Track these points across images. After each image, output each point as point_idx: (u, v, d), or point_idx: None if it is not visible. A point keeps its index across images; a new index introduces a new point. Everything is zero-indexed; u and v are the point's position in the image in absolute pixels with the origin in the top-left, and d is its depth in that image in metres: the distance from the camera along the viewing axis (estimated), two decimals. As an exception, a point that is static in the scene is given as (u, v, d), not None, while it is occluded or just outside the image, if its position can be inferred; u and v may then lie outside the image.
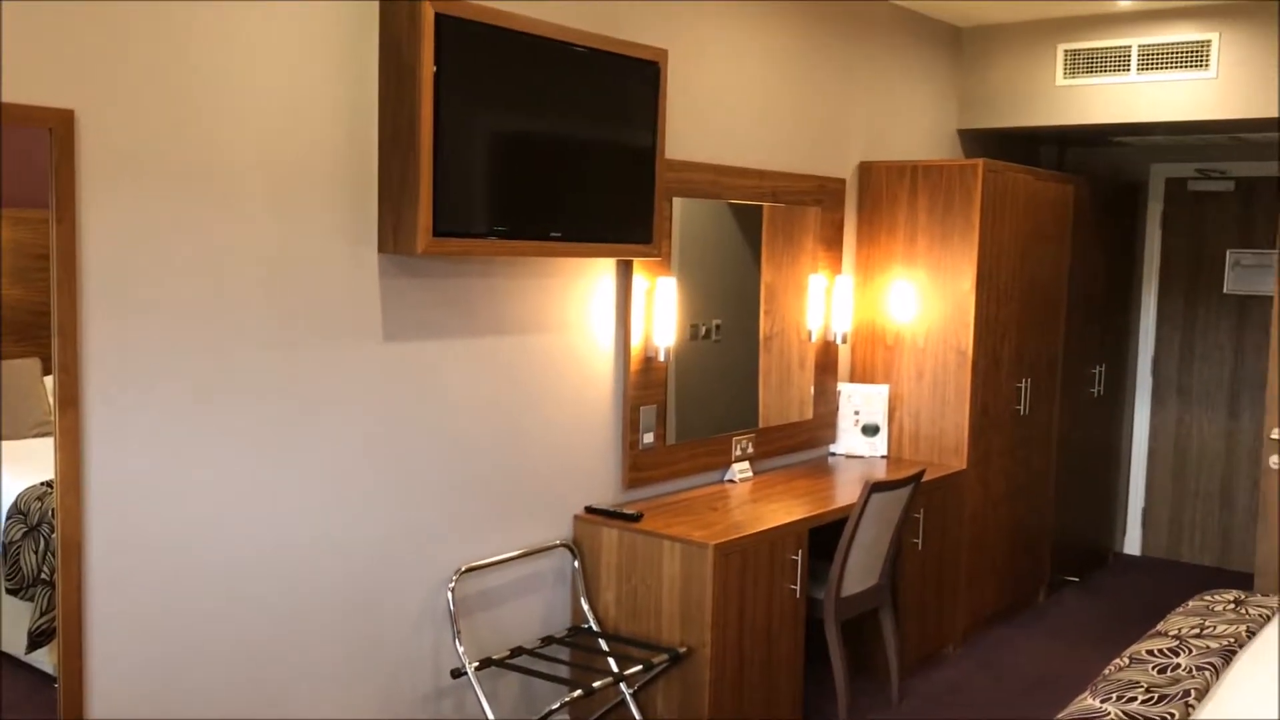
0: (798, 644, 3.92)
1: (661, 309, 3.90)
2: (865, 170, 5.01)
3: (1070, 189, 5.53)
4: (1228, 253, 6.29)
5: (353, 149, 3.01)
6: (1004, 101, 5.55)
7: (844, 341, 4.86)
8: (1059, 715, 2.54)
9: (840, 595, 4.03)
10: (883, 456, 4.99)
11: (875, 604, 4.26)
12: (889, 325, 5.00)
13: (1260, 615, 3.20)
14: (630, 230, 3.59)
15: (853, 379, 5.11)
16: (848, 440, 5.00)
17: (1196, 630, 3.07)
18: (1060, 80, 5.38)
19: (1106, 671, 2.82)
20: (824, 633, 4.16)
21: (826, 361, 4.90)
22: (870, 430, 4.99)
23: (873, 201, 5.00)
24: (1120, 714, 2.49)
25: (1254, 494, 6.27)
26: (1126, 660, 2.87)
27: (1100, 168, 6.61)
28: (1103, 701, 2.58)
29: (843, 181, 4.89)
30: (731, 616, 3.58)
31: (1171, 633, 3.07)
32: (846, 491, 4.28)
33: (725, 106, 4.25)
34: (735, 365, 4.41)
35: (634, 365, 3.92)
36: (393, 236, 3.05)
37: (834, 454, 4.99)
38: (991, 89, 5.57)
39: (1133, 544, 6.64)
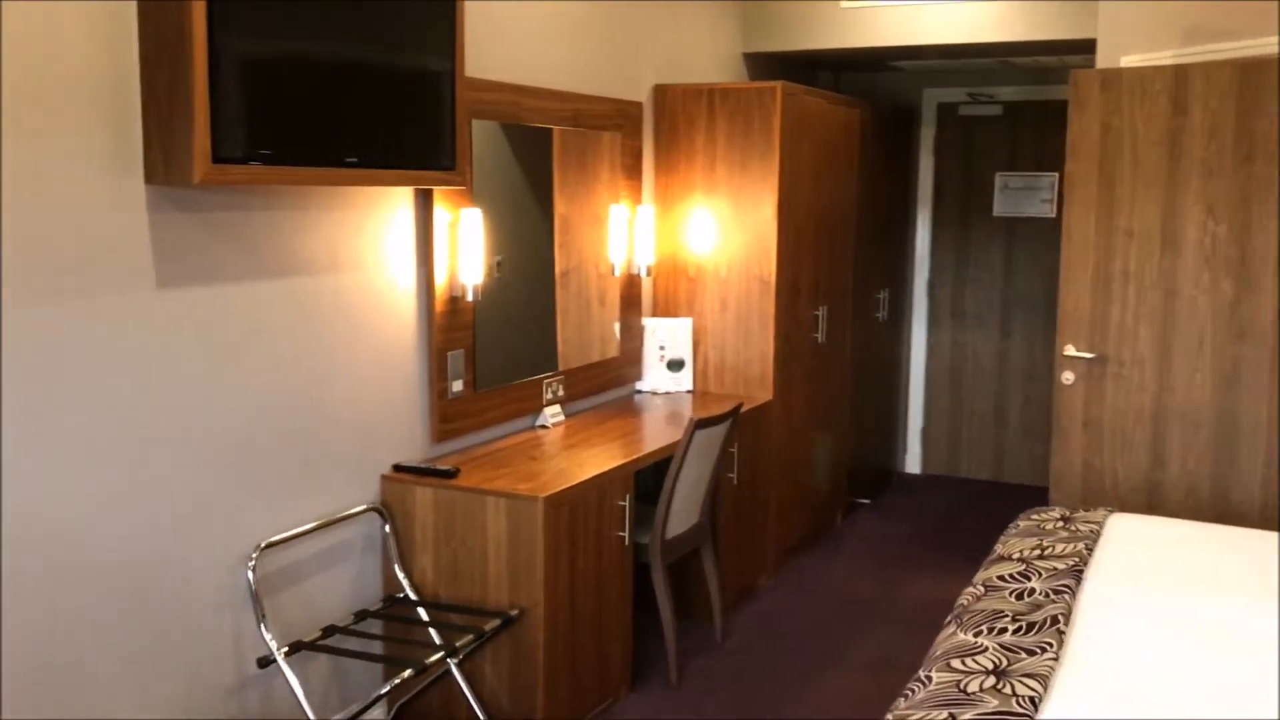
0: (627, 593, 3.72)
1: (467, 243, 3.56)
2: (661, 94, 4.79)
3: (857, 113, 5.50)
4: (996, 176, 6.48)
5: (113, 60, 2.51)
6: (790, 25, 5.44)
7: (648, 274, 4.65)
8: (935, 653, 2.44)
9: (665, 537, 3.86)
10: (689, 391, 4.85)
11: (697, 543, 4.12)
12: (690, 256, 4.82)
13: (1090, 530, 3.24)
14: (431, 156, 3.22)
15: (655, 313, 4.92)
16: (654, 376, 4.82)
17: (1037, 551, 3.06)
18: (845, 3, 5.31)
19: (964, 602, 2.76)
20: (648, 578, 3.99)
21: (631, 296, 4.68)
22: (676, 365, 4.83)
23: (670, 127, 4.79)
24: (998, 646, 2.41)
25: (1025, 409, 6.55)
26: (981, 589, 2.82)
27: (875, 93, 6.66)
28: (975, 635, 2.50)
29: (640, 105, 4.65)
30: (563, 572, 3.34)
31: (1014, 556, 3.05)
32: (660, 430, 4.10)
33: (524, 21, 3.91)
34: (535, 303, 4.13)
35: (439, 306, 3.57)
36: (163, 165, 2.58)
37: (640, 391, 4.80)
38: (777, 12, 5.44)
39: (913, 463, 6.84)
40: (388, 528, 3.40)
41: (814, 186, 5.03)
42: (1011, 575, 2.88)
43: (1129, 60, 4.63)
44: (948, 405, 6.73)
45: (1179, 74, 4.17)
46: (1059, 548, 3.07)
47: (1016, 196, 6.44)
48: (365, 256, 3.31)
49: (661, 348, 4.82)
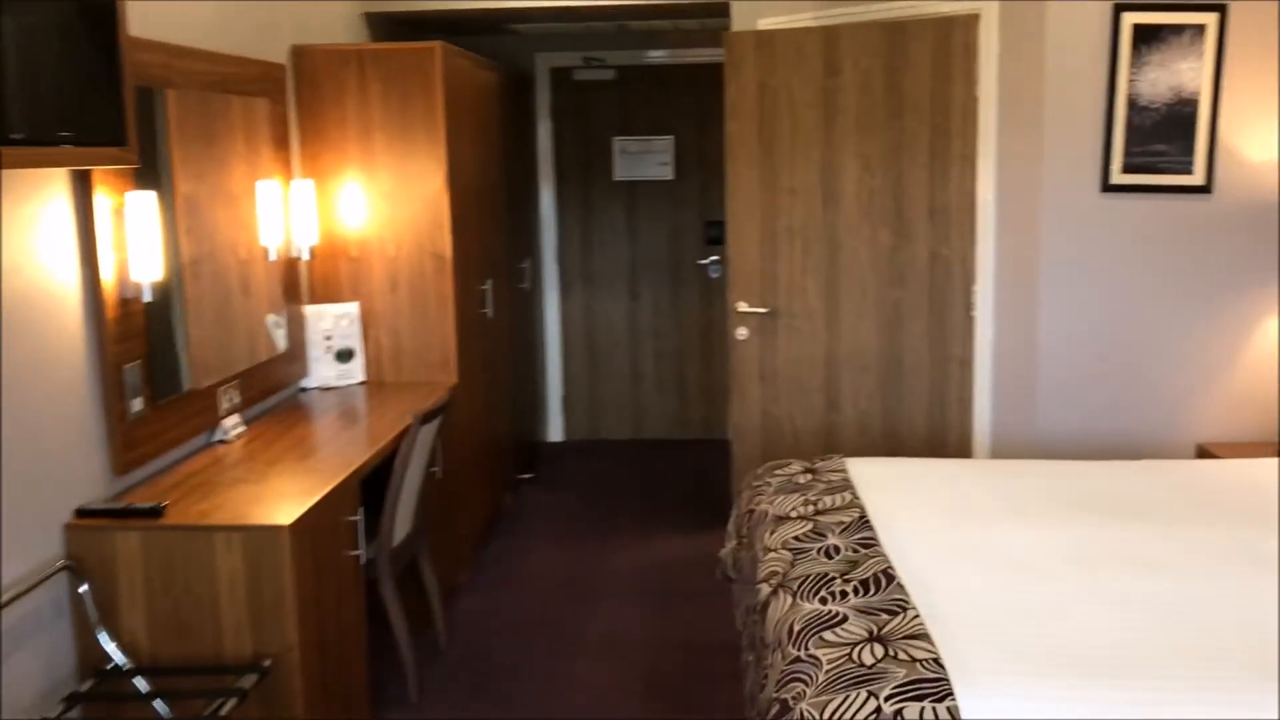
0: (362, 616, 3.32)
1: (138, 234, 2.95)
2: (301, 56, 4.28)
3: (496, 77, 5.28)
4: (614, 140, 6.52)
5: None
6: (415, -18, 5.09)
7: (311, 257, 4.17)
8: (788, 627, 2.35)
9: (392, 547, 3.49)
10: (361, 383, 4.43)
11: (416, 550, 3.78)
12: (351, 234, 4.38)
13: (841, 480, 3.32)
14: (99, 129, 2.61)
15: (314, 299, 4.43)
16: (321, 370, 4.35)
17: (811, 508, 3.08)
18: (475, -40, 5.05)
19: (778, 569, 2.71)
20: (377, 596, 3.59)
21: (291, 282, 4.17)
22: (344, 355, 4.38)
23: (315, 93, 4.30)
24: (856, 611, 2.37)
25: (659, 367, 6.70)
26: (787, 553, 2.78)
27: (491, 58, 6.44)
28: (821, 603, 2.45)
29: (284, 69, 4.13)
30: (312, 608, 2.89)
31: (794, 514, 3.04)
32: (359, 430, 3.69)
33: (163, -32, 3.30)
34: (201, 299, 3.53)
35: (110, 312, 2.94)
36: None
37: (306, 389, 4.31)
38: (403, -33, 5.07)
39: (556, 431, 6.79)
40: (83, 588, 2.76)
41: (473, 154, 4.76)
42: (807, 535, 2.87)
43: (767, 23, 4.79)
44: (585, 370, 6.74)
45: (829, 35, 4.37)
46: (828, 500, 3.11)
47: (635, 160, 6.53)
48: (14, 258, 2.63)
49: (328, 337, 4.35)
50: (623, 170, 6.53)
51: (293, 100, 4.27)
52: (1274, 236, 4.04)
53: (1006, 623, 2.30)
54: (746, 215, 4.57)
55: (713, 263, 6.55)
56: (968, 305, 4.34)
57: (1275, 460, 3.55)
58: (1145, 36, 3.92)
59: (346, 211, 4.35)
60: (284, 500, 2.91)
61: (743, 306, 4.60)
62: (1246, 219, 4.04)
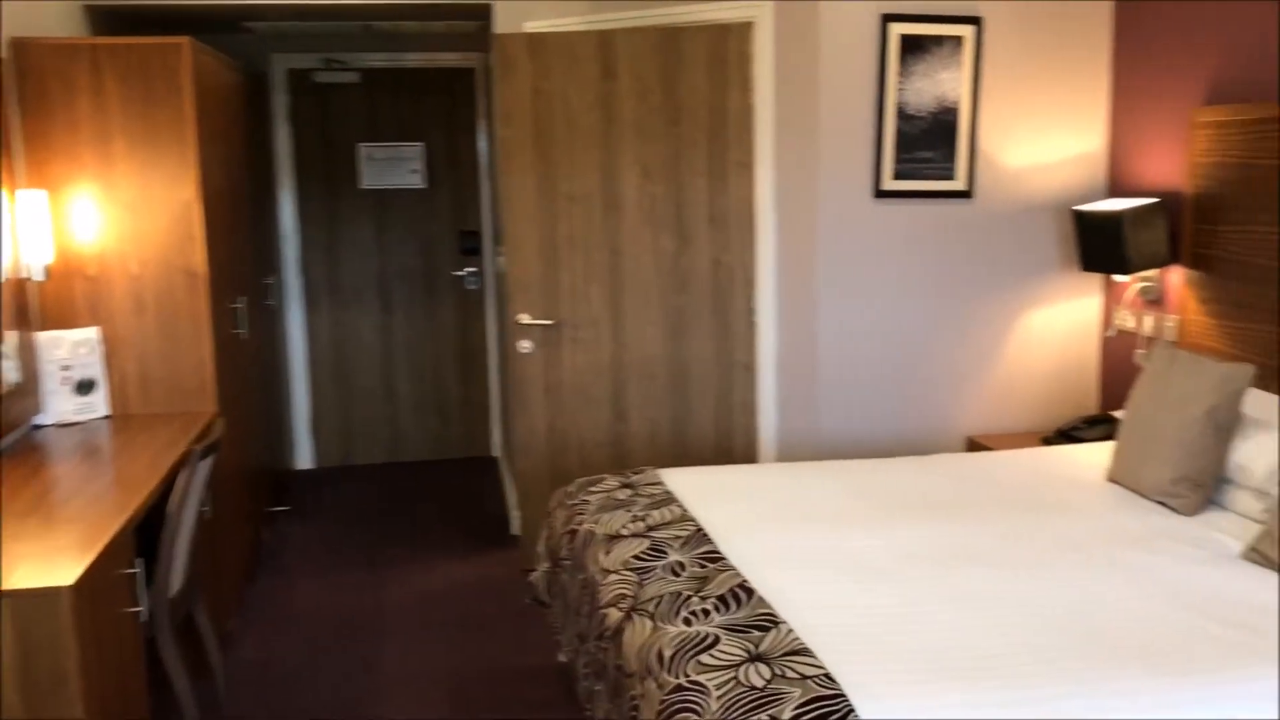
0: (144, 682, 2.93)
1: None
2: (22, 50, 3.77)
3: (239, 78, 4.88)
4: (360, 147, 6.20)
5: None
6: (143, -29, 4.61)
7: (46, 277, 3.68)
8: (656, 653, 2.24)
9: (170, 598, 3.11)
10: (104, 417, 3.95)
11: (192, 598, 3.39)
12: (88, 251, 3.90)
13: (664, 493, 3.24)
14: None
15: (48, 325, 3.91)
16: (59, 405, 3.85)
17: (642, 524, 2.98)
18: (211, -50, 4.65)
19: (626, 592, 2.59)
20: (154, 652, 3.19)
21: (21, 307, 3.66)
22: (85, 387, 3.90)
23: (39, 91, 3.80)
24: (726, 630, 2.28)
25: (416, 386, 6.42)
26: (631, 574, 2.67)
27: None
28: (685, 624, 2.35)
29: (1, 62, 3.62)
30: (95, 679, 2.51)
31: (624, 533, 2.93)
32: (111, 472, 3.28)
33: None
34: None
35: None
36: None
37: (41, 425, 3.80)
38: (129, -45, 4.58)
39: (305, 458, 6.37)
40: None
41: (222, 161, 4.36)
42: (646, 553, 2.77)
43: (534, 26, 4.66)
44: (335, 391, 6.36)
45: (604, 39, 4.30)
46: (656, 515, 3.03)
47: (383, 168, 6.23)
48: None
49: (65, 368, 3.85)
50: (370, 178, 6.22)
51: (14, 100, 3.75)
52: (1030, 238, 4.31)
53: (877, 631, 2.28)
54: (525, 224, 4.42)
55: (470, 274, 6.35)
56: (750, 310, 4.38)
57: (1047, 449, 3.77)
58: (911, 47, 4.09)
59: (81, 225, 3.87)
60: (57, 556, 2.51)
61: (525, 319, 4.45)
62: (1005, 222, 4.29)
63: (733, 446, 4.47)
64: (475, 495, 5.77)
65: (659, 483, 3.34)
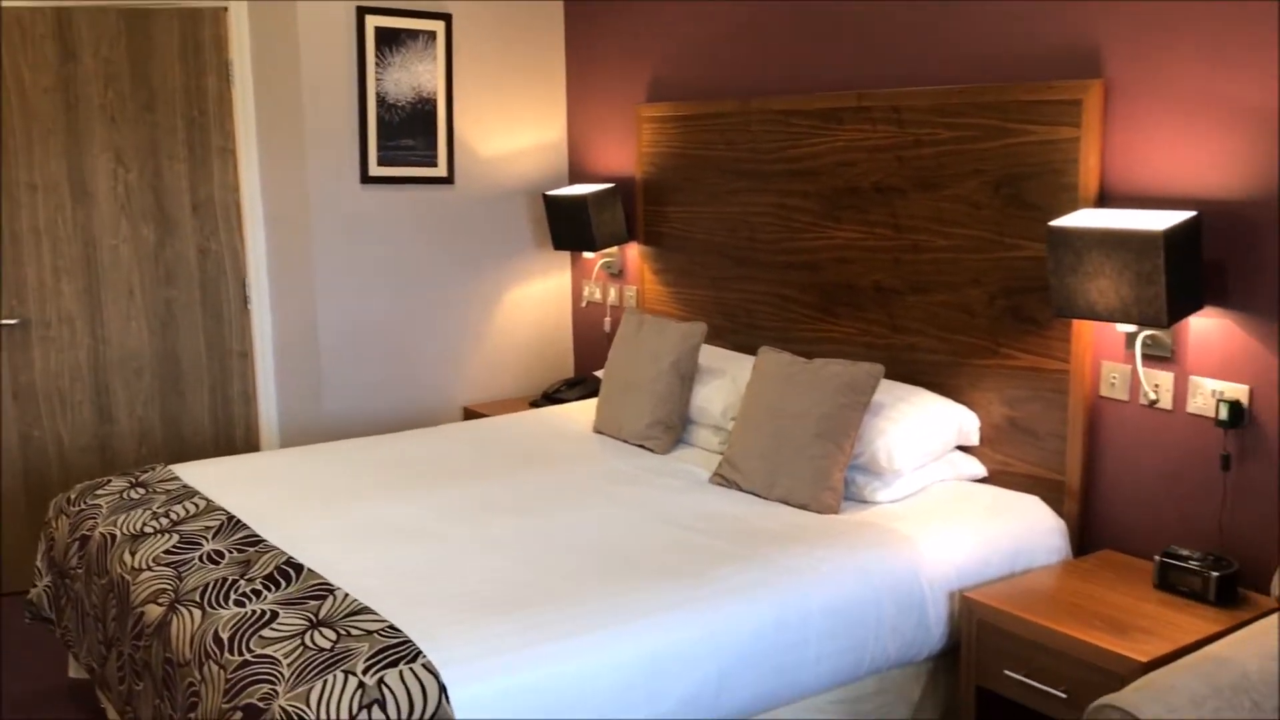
0: None
1: None
2: None
3: None
4: None
5: None
6: None
7: None
8: (209, 634, 2.27)
9: None
10: None
11: None
12: None
13: (181, 488, 3.17)
14: None
15: None
16: None
17: (165, 520, 2.91)
18: None
19: (165, 587, 2.54)
20: None
21: None
22: None
23: None
24: (277, 607, 2.35)
25: None
26: (167, 569, 2.62)
27: None
28: (236, 605, 2.38)
29: None
30: None
31: (148, 531, 2.85)
32: None
33: None
34: None
35: None
36: None
37: None
38: None
39: None
40: None
41: None
42: (177, 547, 2.74)
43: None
44: None
45: (63, 18, 4.03)
46: (179, 510, 2.97)
47: None
48: None
49: None
50: None
51: None
52: (507, 222, 4.68)
53: (427, 583, 2.48)
54: (-22, 216, 4.02)
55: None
56: (243, 299, 4.34)
57: (536, 411, 4.17)
58: (387, 39, 4.27)
59: None
60: None
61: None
62: (484, 206, 4.62)
63: (234, 436, 4.41)
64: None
65: (175, 478, 3.27)
